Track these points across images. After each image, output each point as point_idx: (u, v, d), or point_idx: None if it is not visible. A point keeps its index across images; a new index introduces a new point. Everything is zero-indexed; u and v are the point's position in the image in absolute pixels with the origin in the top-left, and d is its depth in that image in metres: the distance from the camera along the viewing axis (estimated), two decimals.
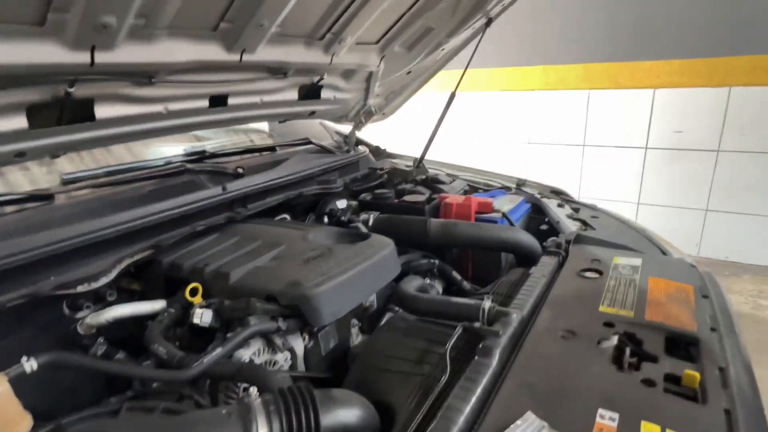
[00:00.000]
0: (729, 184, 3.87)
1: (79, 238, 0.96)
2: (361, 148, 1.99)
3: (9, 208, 1.03)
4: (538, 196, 1.71)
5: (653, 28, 3.83)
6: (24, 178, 1.20)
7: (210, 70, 1.13)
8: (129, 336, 1.01)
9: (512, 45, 4.57)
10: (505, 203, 1.58)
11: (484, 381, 0.76)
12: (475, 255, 1.48)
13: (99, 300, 1.09)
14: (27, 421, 0.70)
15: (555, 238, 1.35)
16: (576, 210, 1.58)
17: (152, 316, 1.01)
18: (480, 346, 0.83)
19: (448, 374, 0.80)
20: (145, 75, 0.99)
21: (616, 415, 0.66)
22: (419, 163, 1.95)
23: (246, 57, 1.15)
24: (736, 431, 0.63)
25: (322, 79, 1.52)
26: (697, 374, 0.73)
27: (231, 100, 1.28)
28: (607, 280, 1.08)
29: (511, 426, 0.64)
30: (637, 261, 1.17)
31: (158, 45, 0.95)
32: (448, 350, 0.84)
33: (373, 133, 2.37)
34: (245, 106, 1.34)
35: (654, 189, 4.19)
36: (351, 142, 2.04)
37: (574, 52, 4.28)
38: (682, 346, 0.85)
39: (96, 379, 1.00)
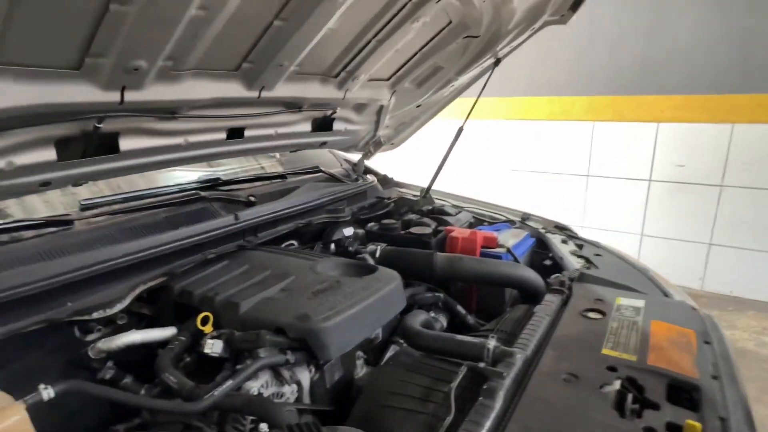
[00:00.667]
0: (732, 219, 3.89)
1: (96, 266, 0.99)
2: (369, 177, 2.03)
3: (28, 233, 1.07)
4: (543, 230, 1.74)
5: (657, 63, 3.91)
6: (39, 200, 1.24)
7: (229, 105, 1.18)
8: (137, 360, 1.03)
9: (519, 76, 4.66)
10: (509, 238, 1.61)
11: (488, 424, 0.78)
12: (479, 289, 1.50)
13: (110, 323, 1.11)
14: None
15: (559, 275, 1.37)
16: (579, 247, 1.61)
17: (162, 344, 1.03)
18: (485, 387, 0.85)
19: (452, 415, 0.82)
20: (168, 111, 1.04)
21: None
22: (426, 193, 1.99)
23: (264, 93, 1.20)
24: None
25: (334, 112, 1.57)
26: (698, 425, 0.74)
27: (247, 132, 1.33)
28: (609, 322, 1.10)
29: None
30: (639, 303, 1.19)
31: (183, 84, 0.99)
32: (453, 390, 0.86)
33: (382, 161, 2.42)
34: (260, 137, 1.39)
35: (658, 221, 4.21)
36: (359, 170, 2.09)
37: (579, 84, 4.37)
38: (683, 393, 0.86)
39: (103, 405, 1.01)
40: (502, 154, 4.92)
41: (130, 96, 0.91)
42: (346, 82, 1.42)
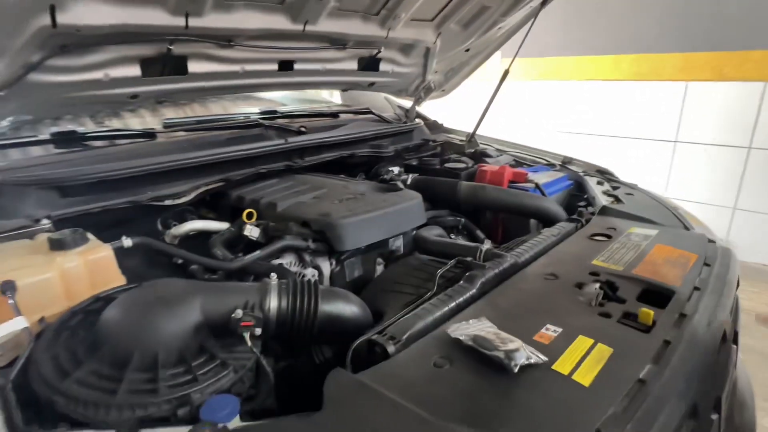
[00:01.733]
0: None
1: (169, 164, 1.25)
2: (418, 120, 2.14)
3: (125, 140, 1.37)
4: (582, 174, 1.74)
5: (765, 13, 3.44)
6: (137, 119, 1.54)
7: (278, 38, 1.36)
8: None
9: (604, 31, 4.36)
10: (543, 177, 1.65)
11: (460, 299, 0.90)
12: (505, 220, 1.58)
13: (183, 220, 1.38)
14: (122, 280, 0.98)
15: (582, 208, 1.41)
16: (615, 188, 1.60)
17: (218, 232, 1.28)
18: (467, 274, 0.97)
19: (433, 291, 0.95)
20: (225, 38, 1.24)
21: (559, 330, 0.77)
22: (471, 137, 2.06)
23: (308, 27, 1.36)
24: (666, 356, 0.71)
25: (379, 52, 1.69)
26: (651, 312, 0.81)
27: (297, 66, 1.51)
28: (612, 243, 1.14)
29: (464, 321, 0.78)
30: (653, 231, 1.20)
31: (236, 14, 1.19)
32: (439, 274, 0.99)
33: (443, 110, 2.48)
34: (309, 72, 1.56)
35: (756, 193, 3.80)
36: (411, 115, 2.21)
37: (672, 39, 3.99)
38: (658, 296, 0.91)
39: (162, 272, 1.28)
40: (581, 117, 4.68)
41: (193, 22, 1.12)
42: (387, 20, 1.54)
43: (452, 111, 2.70)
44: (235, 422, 0.63)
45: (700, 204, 4.03)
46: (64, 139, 1.27)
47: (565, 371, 0.67)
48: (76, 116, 1.48)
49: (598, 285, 0.93)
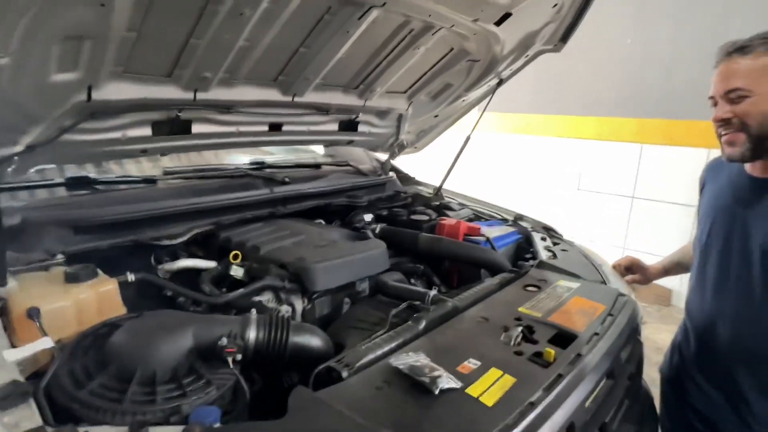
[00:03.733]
0: None
1: (168, 210, 1.45)
2: (391, 174, 2.39)
3: (128, 186, 1.57)
4: (530, 229, 1.99)
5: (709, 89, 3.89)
6: (138, 167, 1.75)
7: (270, 105, 1.61)
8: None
9: (570, 95, 4.80)
10: (495, 231, 1.89)
11: (407, 336, 1.11)
12: (460, 268, 1.80)
13: (175, 258, 1.57)
14: (123, 309, 1.16)
15: (522, 262, 1.65)
16: (555, 243, 1.85)
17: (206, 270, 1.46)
18: (414, 315, 1.18)
19: (386, 329, 1.15)
20: (225, 107, 1.48)
21: (479, 363, 0.98)
22: (437, 191, 2.32)
23: (297, 98, 1.62)
24: (553, 384, 0.92)
25: (358, 116, 1.96)
26: (553, 351, 1.02)
27: (285, 127, 1.76)
28: (540, 294, 1.37)
29: (403, 355, 0.98)
30: (575, 285, 1.44)
31: (236, 89, 1.43)
32: (391, 315, 1.20)
33: (420, 165, 2.75)
34: (296, 132, 1.81)
35: None
36: (386, 168, 2.46)
37: (629, 106, 4.42)
38: (565, 340, 1.12)
39: (153, 304, 1.44)
40: (548, 170, 5.06)
41: (201, 95, 1.36)
42: (365, 93, 1.81)
43: (430, 158, 2.97)
44: None
45: (655, 256, 4.36)
46: (77, 184, 1.47)
47: (475, 394, 0.87)
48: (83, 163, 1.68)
49: (519, 328, 1.15)
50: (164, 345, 0.95)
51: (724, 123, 1.13)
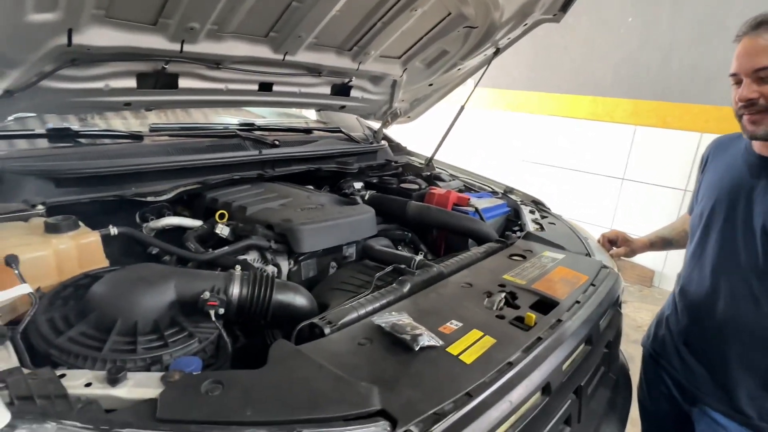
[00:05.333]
0: None
1: (154, 166, 1.42)
2: (383, 142, 2.36)
3: (115, 140, 1.53)
4: (519, 202, 2.00)
5: (707, 73, 3.87)
6: (126, 123, 1.70)
7: (261, 63, 1.56)
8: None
9: (566, 72, 4.75)
10: (484, 202, 1.89)
11: (390, 298, 1.11)
12: (447, 237, 1.81)
13: (160, 216, 1.55)
14: (106, 263, 1.14)
15: (511, 233, 1.66)
16: (543, 217, 1.86)
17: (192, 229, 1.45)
18: (399, 278, 1.18)
19: (370, 291, 1.16)
20: (214, 62, 1.43)
21: (460, 324, 0.99)
22: (429, 161, 2.30)
23: (288, 57, 1.57)
24: (532, 346, 0.94)
25: (351, 80, 1.91)
26: (534, 316, 1.04)
27: (276, 88, 1.71)
28: (525, 263, 1.38)
29: (386, 314, 0.99)
30: (560, 256, 1.45)
31: (225, 43, 1.39)
32: (376, 277, 1.20)
33: (415, 135, 2.70)
34: (286, 93, 1.77)
35: None
36: (378, 137, 2.43)
37: (625, 86, 4.40)
38: (545, 306, 1.14)
39: (137, 260, 1.43)
40: (541, 148, 5.05)
41: (188, 48, 1.31)
42: (359, 56, 1.76)
43: (423, 129, 2.93)
44: None
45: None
46: (59, 135, 1.43)
47: (455, 353, 0.88)
48: (66, 115, 1.63)
49: (502, 294, 1.16)
50: (146, 296, 0.94)
51: (749, 103, 1.08)
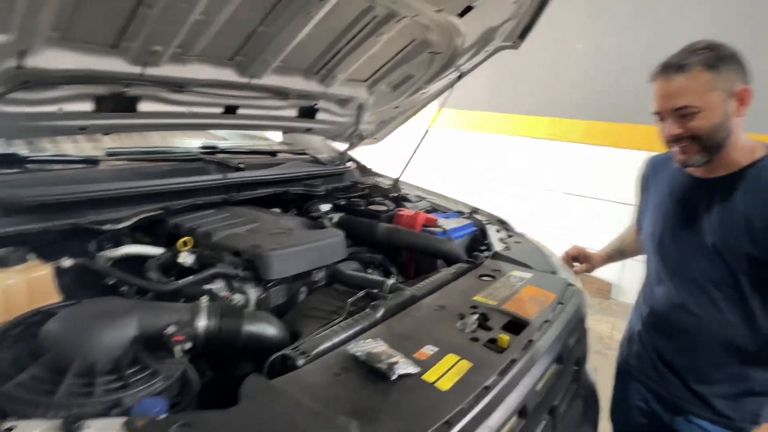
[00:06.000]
0: None
1: (111, 192, 1.35)
2: (349, 164, 2.36)
3: (69, 166, 1.45)
4: (485, 222, 2.04)
5: (651, 96, 4.13)
6: (80, 147, 1.62)
7: (226, 86, 1.54)
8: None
9: (524, 94, 4.96)
10: (451, 223, 1.92)
11: (364, 324, 1.10)
12: (417, 258, 1.81)
13: (118, 244, 1.47)
14: (58, 297, 1.07)
15: (479, 252, 1.68)
16: (509, 236, 1.90)
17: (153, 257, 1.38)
18: (372, 303, 1.17)
19: (343, 317, 1.14)
20: (177, 85, 1.40)
21: (436, 349, 0.99)
22: (395, 183, 2.31)
23: (254, 81, 1.56)
24: (506, 368, 0.94)
25: (317, 103, 1.91)
26: (507, 338, 1.05)
27: (241, 111, 1.69)
28: (494, 283, 1.40)
29: (361, 342, 0.97)
30: (528, 275, 1.48)
31: (189, 66, 1.36)
32: (349, 302, 1.18)
33: (385, 157, 2.71)
34: (252, 116, 1.74)
35: None
36: (344, 158, 2.43)
37: (580, 108, 4.63)
38: (518, 327, 1.15)
39: (93, 293, 1.35)
40: (502, 168, 5.21)
41: (150, 71, 1.27)
42: (325, 79, 1.77)
43: (389, 151, 2.96)
44: None
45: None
46: (5, 161, 1.34)
47: (432, 379, 0.88)
48: (12, 138, 1.53)
49: (475, 316, 1.16)
50: (105, 333, 0.88)
51: (676, 138, 1.17)
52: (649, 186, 1.48)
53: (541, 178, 4.95)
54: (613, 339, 3.54)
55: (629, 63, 4.25)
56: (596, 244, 4.53)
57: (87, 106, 1.29)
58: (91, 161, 1.49)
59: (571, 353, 1.23)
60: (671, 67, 1.15)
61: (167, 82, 1.37)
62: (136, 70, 1.25)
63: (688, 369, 1.30)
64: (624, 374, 1.53)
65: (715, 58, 1.13)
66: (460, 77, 2.03)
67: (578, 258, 1.73)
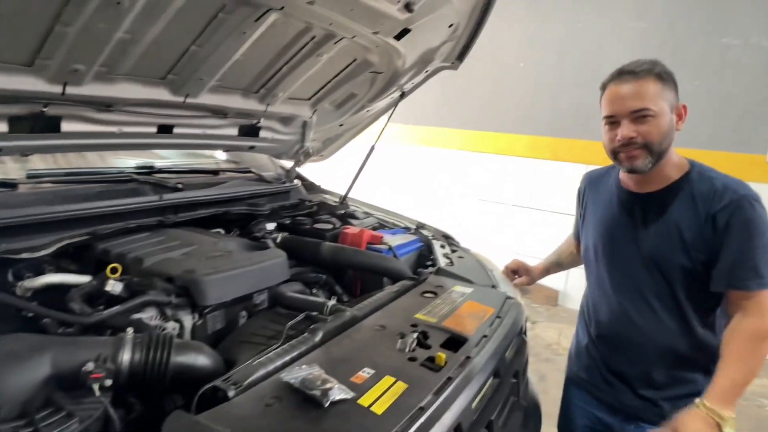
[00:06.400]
0: None
1: (28, 218, 1.26)
2: (296, 181, 2.34)
3: None
4: (431, 237, 2.07)
5: (589, 112, 4.39)
6: None
7: (159, 105, 1.49)
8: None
9: (472, 110, 5.12)
10: (397, 239, 1.93)
11: (302, 349, 1.07)
12: (363, 277, 1.81)
13: (39, 273, 1.37)
14: None
15: (421, 269, 1.70)
16: (453, 251, 1.94)
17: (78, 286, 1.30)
18: (311, 327, 1.15)
19: (281, 342, 1.11)
20: (104, 104, 1.34)
21: (372, 371, 0.98)
22: (342, 200, 2.31)
23: (189, 99, 1.51)
24: (442, 387, 0.95)
25: (259, 121, 1.89)
26: (444, 355, 1.06)
27: (176, 130, 1.63)
28: (436, 300, 1.41)
29: (296, 369, 0.95)
30: (468, 290, 1.51)
31: (117, 85, 1.30)
32: (287, 327, 1.16)
33: (333, 174, 2.70)
34: (189, 135, 1.69)
35: None
36: (290, 176, 2.40)
37: (523, 124, 4.84)
38: (455, 343, 1.17)
39: (10, 326, 1.25)
40: (451, 181, 5.34)
41: (71, 90, 1.21)
42: (266, 98, 1.75)
43: (338, 167, 2.96)
44: None
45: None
46: None
47: (367, 403, 0.87)
48: None
49: (415, 335, 1.17)
50: (12, 375, 0.82)
51: (629, 141, 1.21)
52: (586, 200, 1.54)
53: (490, 190, 5.11)
54: (560, 345, 3.68)
55: (566, 80, 4.50)
56: (542, 253, 4.73)
57: (1, 127, 1.20)
58: (8, 184, 1.39)
59: (509, 367, 1.26)
60: (628, 74, 1.22)
61: (92, 102, 1.30)
62: (56, 89, 1.18)
63: (636, 377, 1.35)
64: (573, 386, 1.57)
65: (663, 72, 1.22)
66: (402, 96, 2.07)
67: (518, 271, 1.79)
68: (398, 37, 1.59)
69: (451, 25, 1.69)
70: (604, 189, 1.46)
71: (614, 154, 1.28)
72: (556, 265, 1.79)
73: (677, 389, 1.31)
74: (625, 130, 1.21)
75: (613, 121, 1.25)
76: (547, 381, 2.93)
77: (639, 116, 1.20)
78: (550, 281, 4.69)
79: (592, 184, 1.55)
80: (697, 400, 1.12)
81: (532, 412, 1.45)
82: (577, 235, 1.63)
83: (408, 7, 1.39)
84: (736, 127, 3.82)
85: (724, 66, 3.78)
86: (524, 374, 1.44)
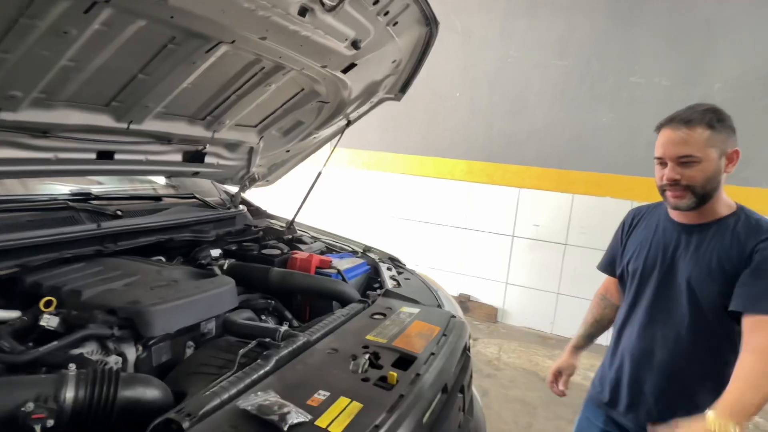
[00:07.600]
0: (574, 273, 4.65)
1: None
2: (241, 207, 2.32)
3: None
4: (378, 260, 2.13)
5: (519, 139, 4.73)
6: None
7: (100, 131, 1.45)
8: None
9: (414, 136, 5.33)
10: (345, 263, 1.97)
11: (255, 376, 1.08)
12: (312, 302, 1.82)
13: None
14: None
15: (370, 291, 1.75)
16: (400, 273, 2.01)
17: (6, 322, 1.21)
18: (264, 353, 1.16)
19: (233, 370, 1.11)
20: (39, 130, 1.29)
21: (327, 393, 1.01)
22: (290, 225, 2.32)
23: (133, 126, 1.49)
24: (395, 405, 1.00)
25: (205, 147, 1.88)
26: (395, 374, 1.11)
27: (117, 156, 1.59)
28: (385, 321, 1.47)
29: (251, 396, 0.96)
30: (416, 310, 1.58)
31: (56, 111, 1.26)
32: (240, 355, 1.16)
33: (278, 198, 2.68)
34: (130, 161, 1.65)
35: (519, 272, 4.88)
36: (236, 201, 2.38)
37: (460, 149, 5.10)
38: (405, 362, 1.23)
39: None
40: (395, 204, 5.48)
41: (5, 116, 1.16)
42: (212, 125, 1.75)
43: (284, 192, 2.95)
44: None
45: (484, 279, 5.02)
46: None
47: (324, 424, 0.90)
48: None
49: (366, 356, 1.21)
50: None
51: (674, 182, 1.30)
52: (634, 230, 1.57)
53: (431, 213, 5.30)
54: (501, 360, 3.84)
55: (498, 109, 4.83)
56: (479, 271, 4.94)
57: None
58: None
59: (456, 382, 1.33)
60: (679, 121, 1.30)
61: (27, 128, 1.25)
62: None
63: (660, 400, 1.37)
64: (593, 405, 1.59)
65: (716, 119, 1.26)
66: (348, 124, 2.14)
67: (560, 372, 1.71)
68: (345, 70, 1.67)
69: (394, 61, 1.81)
70: (653, 220, 1.52)
71: (662, 190, 1.37)
72: (588, 338, 1.73)
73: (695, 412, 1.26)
74: (670, 172, 1.31)
75: (662, 162, 1.35)
76: (489, 396, 3.05)
77: (684, 162, 1.29)
78: (490, 299, 4.91)
79: (639, 215, 1.59)
80: (706, 411, 1.14)
81: (479, 427, 1.53)
82: (607, 266, 1.67)
83: (355, 45, 1.48)
84: (646, 155, 4.28)
85: (633, 101, 4.25)
86: (469, 389, 1.52)
